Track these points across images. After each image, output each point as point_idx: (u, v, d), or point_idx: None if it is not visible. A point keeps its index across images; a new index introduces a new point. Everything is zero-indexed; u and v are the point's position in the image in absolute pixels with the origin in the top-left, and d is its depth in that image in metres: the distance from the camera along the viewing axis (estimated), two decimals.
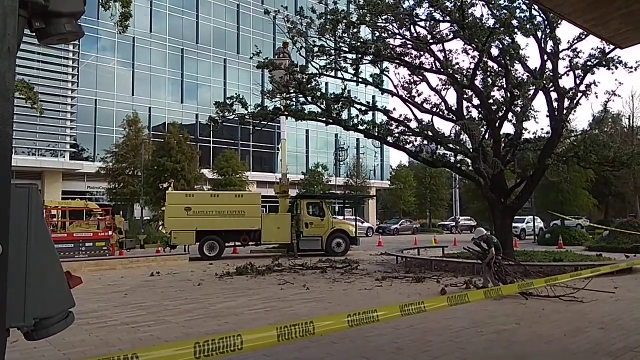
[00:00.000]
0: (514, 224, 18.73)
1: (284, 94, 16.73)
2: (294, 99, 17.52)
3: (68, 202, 25.34)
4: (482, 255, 11.01)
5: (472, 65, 15.90)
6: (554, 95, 15.55)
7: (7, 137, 1.17)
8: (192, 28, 47.09)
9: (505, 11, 13.84)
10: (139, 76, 43.49)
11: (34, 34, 1.43)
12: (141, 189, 31.58)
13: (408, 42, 16.21)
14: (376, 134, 16.99)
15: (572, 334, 6.78)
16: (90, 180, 38.47)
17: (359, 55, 16.40)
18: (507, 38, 14.47)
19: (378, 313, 2.46)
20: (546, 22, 14.60)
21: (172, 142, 32.92)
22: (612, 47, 13.34)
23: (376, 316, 2.44)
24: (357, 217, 32.30)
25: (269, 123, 18.74)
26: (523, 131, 16.51)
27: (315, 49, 16.26)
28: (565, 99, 15.50)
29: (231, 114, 16.74)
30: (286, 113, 17.42)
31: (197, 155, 35.43)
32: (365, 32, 17.99)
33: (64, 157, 37.87)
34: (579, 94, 15.56)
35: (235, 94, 17.18)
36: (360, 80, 17.54)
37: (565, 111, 15.49)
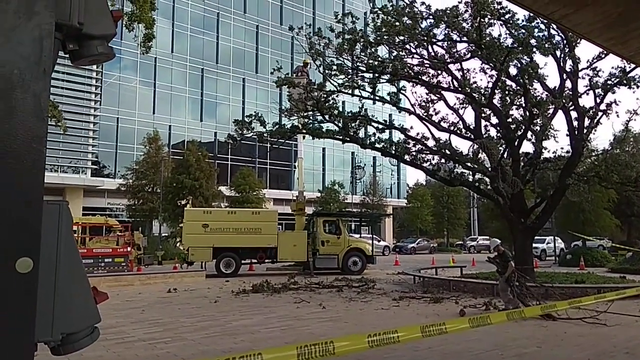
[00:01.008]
0: (534, 245, 18.40)
1: (302, 112, 16.88)
2: (311, 117, 17.67)
3: (88, 218, 25.73)
4: (502, 270, 10.71)
5: (490, 84, 15.88)
6: (574, 114, 15.40)
7: (41, 156, 1.21)
8: (213, 48, 48.02)
9: (523, 30, 13.84)
10: (160, 95, 44.36)
11: (67, 55, 1.48)
12: (160, 205, 31.92)
13: (425, 61, 16.28)
14: (393, 152, 16.98)
15: (596, 358, 6.58)
16: (111, 197, 39.05)
17: (377, 74, 16.51)
18: (525, 57, 14.45)
19: (399, 334, 2.43)
20: (565, 41, 14.55)
21: (191, 160, 33.33)
22: (633, 65, 13.20)
23: (397, 337, 2.41)
24: (374, 236, 32.10)
25: (286, 141, 18.89)
26: (543, 150, 16.35)
27: (333, 67, 16.43)
28: (586, 118, 15.33)
29: (250, 132, 16.93)
30: (304, 131, 17.56)
31: (215, 173, 35.76)
32: (382, 51, 18.13)
33: (85, 173, 38.58)
34: (600, 113, 15.38)
35: (254, 112, 17.41)
36: (377, 98, 17.63)
37: (585, 130, 15.31)
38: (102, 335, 1.43)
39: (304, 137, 23.77)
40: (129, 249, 19.73)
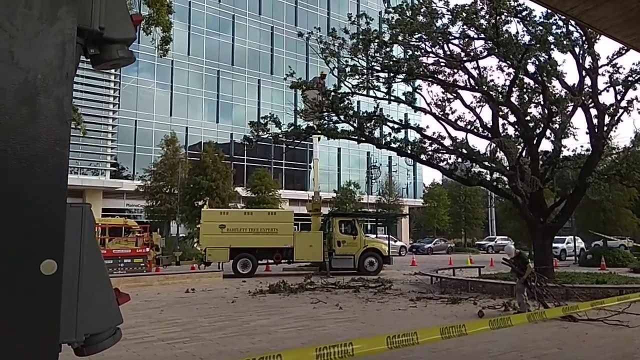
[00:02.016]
0: (553, 245, 18.11)
1: (317, 112, 16.89)
2: (326, 118, 17.67)
3: (108, 219, 26.09)
4: (520, 272, 10.52)
5: (508, 82, 15.68)
6: (593, 111, 15.13)
7: (64, 159, 1.23)
8: (228, 50, 48.34)
9: (541, 27, 13.64)
10: (176, 97, 44.81)
11: (88, 60, 1.51)
12: (177, 206, 32.24)
13: (441, 60, 16.16)
14: (409, 152, 16.89)
15: None
16: (130, 198, 39.56)
17: (392, 74, 16.44)
18: (543, 54, 14.23)
19: (418, 335, 2.41)
20: (584, 38, 14.31)
21: (208, 161, 33.59)
22: None
23: (416, 338, 2.39)
24: (390, 236, 31.96)
25: (302, 142, 18.92)
26: (562, 148, 16.10)
27: (348, 68, 16.41)
28: (606, 116, 15.05)
29: (265, 133, 17.00)
30: (319, 132, 17.56)
31: (231, 174, 35.99)
32: (397, 51, 18.04)
33: (104, 175, 39.16)
34: (620, 110, 15.09)
35: (270, 113, 17.46)
36: (392, 98, 17.54)
37: (605, 128, 15.03)
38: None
39: (319, 139, 23.80)
40: (147, 249, 19.95)
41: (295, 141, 18.00)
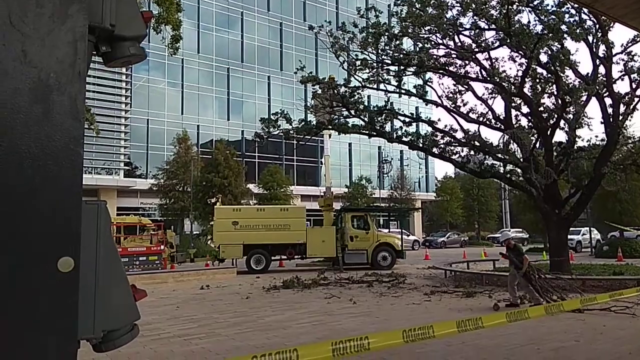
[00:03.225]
0: (569, 237, 17.91)
1: (327, 108, 16.86)
2: (337, 113, 17.62)
3: (123, 218, 26.37)
4: (518, 265, 10.37)
5: (520, 73, 15.49)
6: (608, 101, 14.89)
7: (79, 157, 1.23)
8: (237, 47, 48.44)
9: (553, 16, 13.44)
10: (187, 96, 45.05)
11: (100, 57, 1.51)
12: (191, 204, 32.48)
13: (452, 51, 16.01)
14: (421, 145, 16.79)
15: (638, 353, 6.36)
16: (143, 197, 39.94)
17: (402, 67, 16.33)
18: (556, 44, 14.02)
19: (434, 329, 2.39)
20: (597, 26, 14.07)
21: (220, 159, 33.77)
22: None
23: (432, 332, 2.38)
24: (403, 230, 31.85)
25: (312, 137, 18.90)
26: (576, 139, 15.89)
27: (358, 62, 16.33)
28: (621, 105, 14.80)
29: (276, 129, 17.00)
30: (330, 127, 17.52)
31: (243, 171, 36.15)
32: (407, 44, 17.90)
33: (118, 174, 39.57)
34: (636, 99, 14.84)
35: (280, 109, 17.46)
36: (403, 91, 17.43)
37: (621, 117, 14.79)
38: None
39: (330, 136, 23.74)
40: (162, 247, 20.14)
41: (306, 137, 17.98)
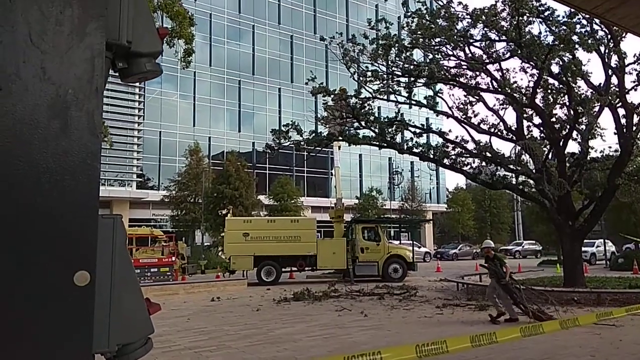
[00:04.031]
0: (583, 249, 17.68)
1: (338, 119, 16.91)
2: (347, 125, 17.66)
3: (135, 229, 26.52)
4: (497, 274, 10.11)
5: (532, 84, 15.44)
6: (621, 111, 14.75)
7: (96, 171, 1.25)
8: (249, 59, 48.90)
9: (564, 27, 13.40)
10: (199, 108, 45.50)
11: (117, 73, 1.53)
12: (202, 215, 32.61)
13: (463, 63, 16.01)
14: (432, 156, 16.74)
15: None
16: (155, 208, 40.19)
17: (412, 79, 16.35)
18: (567, 54, 13.96)
19: (448, 343, 2.36)
20: (609, 36, 13.99)
21: (231, 170, 33.93)
22: None
23: (445, 347, 2.35)
24: (414, 242, 31.63)
25: (323, 148, 18.94)
26: (589, 150, 15.72)
27: (369, 73, 16.39)
28: (635, 115, 14.65)
29: (287, 141, 17.08)
30: (340, 138, 17.55)
31: (254, 182, 36.25)
32: (418, 55, 17.95)
33: (131, 186, 39.94)
34: None
35: (291, 121, 17.55)
36: (413, 102, 17.44)
37: (634, 128, 14.64)
38: None
39: (339, 148, 23.76)
40: (173, 258, 20.20)
41: (317, 148, 18.03)
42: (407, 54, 15.97)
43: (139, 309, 1.40)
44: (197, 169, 35.62)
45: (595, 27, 13.82)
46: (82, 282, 1.19)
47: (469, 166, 16.70)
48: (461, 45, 15.33)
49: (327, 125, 18.23)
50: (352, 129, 17.63)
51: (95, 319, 1.22)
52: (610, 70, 14.51)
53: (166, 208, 36.80)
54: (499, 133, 16.57)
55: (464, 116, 16.83)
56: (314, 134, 17.77)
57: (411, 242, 27.99)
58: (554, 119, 15.59)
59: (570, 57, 14.03)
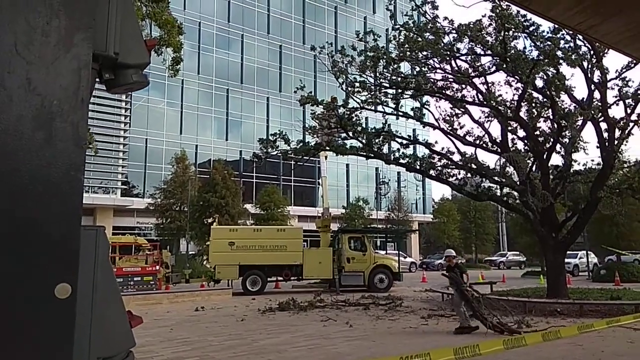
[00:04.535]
0: (566, 260, 17.89)
1: (326, 129, 16.97)
2: (335, 135, 17.73)
3: (118, 237, 26.20)
4: (457, 283, 10.21)
5: (516, 97, 15.68)
6: (603, 125, 15.04)
7: (79, 183, 1.24)
8: (237, 68, 48.93)
9: (549, 42, 13.67)
10: (186, 115, 45.31)
11: (103, 84, 1.53)
12: (187, 224, 32.33)
13: (449, 76, 16.21)
14: (418, 167, 16.86)
15: None
16: (140, 216, 39.77)
17: (400, 90, 16.51)
18: (551, 69, 14.23)
19: (431, 356, 2.37)
20: (592, 52, 14.29)
21: (217, 178, 33.75)
22: None
23: (429, 358, 2.35)
24: (400, 252, 31.71)
25: (310, 158, 18.97)
26: (572, 163, 15.98)
27: (357, 84, 16.50)
28: (616, 129, 14.95)
29: (274, 150, 17.08)
30: (327, 148, 17.61)
31: (240, 191, 36.09)
32: (405, 68, 18.13)
33: (115, 194, 39.49)
34: (631, 124, 14.99)
35: (278, 130, 17.57)
36: (400, 114, 17.58)
37: (616, 142, 14.92)
38: None
39: (326, 158, 23.80)
40: (157, 267, 19.97)
41: (304, 158, 18.05)
42: (395, 66, 16.14)
43: (121, 322, 1.39)
44: (183, 177, 35.37)
45: (579, 42, 14.12)
46: (63, 294, 1.18)
47: (454, 177, 16.86)
48: (447, 58, 15.54)
49: (315, 135, 18.28)
50: (339, 139, 17.71)
51: (76, 333, 1.21)
52: (592, 85, 14.80)
53: (151, 216, 36.42)
54: (484, 145, 16.77)
55: (450, 128, 17.02)
56: (301, 144, 17.80)
57: (397, 252, 28.01)
58: (538, 132, 15.83)
59: (554, 71, 14.31)
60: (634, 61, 12.92)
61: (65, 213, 1.22)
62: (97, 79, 1.49)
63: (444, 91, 16.54)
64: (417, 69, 16.57)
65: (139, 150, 41.73)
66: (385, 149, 17.63)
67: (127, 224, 39.18)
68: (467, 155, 16.19)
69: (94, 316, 1.30)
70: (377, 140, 16.72)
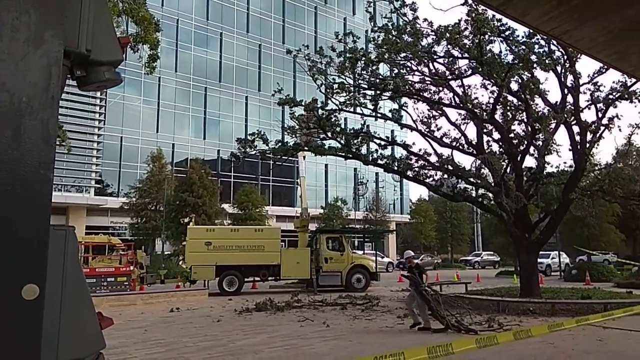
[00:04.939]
0: (539, 260, 18.29)
1: (305, 130, 16.97)
2: (314, 135, 17.74)
3: (91, 237, 25.66)
4: (416, 283, 10.42)
5: (492, 100, 15.95)
6: (576, 129, 15.43)
7: (49, 182, 1.22)
8: (216, 66, 48.48)
9: (523, 47, 13.94)
10: (163, 114, 44.68)
11: (74, 81, 1.51)
12: (163, 223, 31.90)
13: (427, 78, 16.39)
14: (396, 168, 17.00)
15: None
16: (114, 216, 39.08)
17: (378, 92, 16.62)
18: (526, 73, 14.53)
19: (405, 355, 2.40)
20: (565, 57, 14.64)
21: (195, 178, 33.39)
22: (634, 80, 13.26)
23: (403, 358, 2.38)
24: (377, 252, 31.92)
25: (289, 158, 18.93)
26: (545, 165, 16.34)
27: (335, 85, 16.55)
28: (588, 133, 15.35)
29: (253, 150, 16.99)
30: (306, 148, 17.60)
31: (218, 190, 35.78)
32: (384, 69, 18.26)
33: (89, 192, 38.67)
34: (602, 128, 15.40)
35: (257, 130, 17.49)
36: (379, 115, 17.70)
37: (588, 145, 15.31)
38: (105, 356, 1.44)
39: (304, 158, 23.79)
40: (131, 268, 19.65)
41: (283, 158, 18.01)
42: (374, 67, 16.23)
43: (91, 324, 1.37)
44: (160, 176, 34.87)
45: (553, 47, 14.44)
46: (31, 295, 1.15)
47: (431, 178, 17.05)
48: (425, 61, 15.71)
49: (294, 136, 18.26)
50: (318, 139, 17.73)
51: (44, 334, 1.19)
52: (566, 89, 15.16)
53: (125, 215, 35.81)
54: (460, 147, 17.01)
55: (427, 130, 17.22)
56: (280, 144, 17.75)
57: (374, 252, 28.19)
58: (512, 135, 16.14)
59: (529, 75, 14.61)
60: (605, 67, 13.30)
61: (34, 212, 1.20)
62: (69, 76, 1.46)
63: (421, 93, 16.72)
64: (396, 70, 16.71)
65: (113, 149, 40.97)
66: (363, 150, 17.72)
67: (101, 223, 38.45)
68: (443, 157, 16.40)
69: (63, 317, 1.28)
70: (355, 141, 16.80)
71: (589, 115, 16.27)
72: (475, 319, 11.70)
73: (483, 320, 11.42)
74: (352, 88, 16.73)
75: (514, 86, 15.16)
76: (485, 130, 16.55)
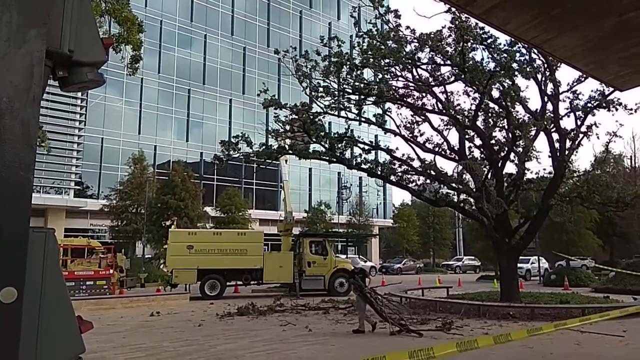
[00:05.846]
0: (519, 265, 18.55)
1: (289, 132, 16.97)
2: (298, 139, 17.74)
3: (70, 239, 25.22)
4: (359, 287, 10.95)
5: (474, 107, 16.16)
6: (555, 136, 15.72)
7: (29, 183, 1.20)
8: (200, 68, 48.19)
9: (505, 55, 14.17)
10: (145, 115, 44.19)
11: (56, 82, 1.49)
12: (144, 226, 31.48)
13: (410, 84, 16.54)
14: (379, 172, 17.09)
15: None
16: (94, 218, 38.45)
17: (362, 96, 16.71)
18: (507, 80, 14.76)
19: (387, 359, 2.40)
20: (546, 65, 14.92)
21: (177, 180, 33.03)
22: (612, 89, 13.58)
23: None
24: (360, 256, 31.99)
25: (273, 161, 18.89)
26: (525, 171, 16.60)
27: (320, 89, 16.59)
28: (567, 140, 15.66)
29: (236, 152, 16.91)
30: (290, 152, 17.59)
31: (200, 193, 35.46)
32: (368, 74, 18.37)
33: (68, 194, 37.99)
34: (580, 135, 15.73)
35: (241, 132, 17.42)
36: (363, 120, 17.79)
37: (567, 152, 15.62)
38: None
39: (286, 162, 23.74)
40: (111, 271, 19.35)
41: (267, 161, 17.97)
42: (358, 72, 16.32)
43: (70, 327, 1.35)
44: (141, 178, 34.42)
45: (534, 56, 14.72)
46: (9, 299, 1.13)
47: (414, 183, 17.19)
48: (409, 67, 15.86)
49: (279, 139, 18.23)
50: (302, 143, 17.73)
51: (23, 338, 1.17)
52: (546, 97, 15.45)
53: (105, 218, 35.25)
54: (442, 152, 17.19)
55: (410, 135, 17.37)
56: (264, 147, 17.71)
57: (357, 256, 28.24)
58: (493, 141, 16.36)
59: (510, 83, 14.86)
60: (584, 75, 13.59)
61: (13, 214, 1.18)
62: (51, 77, 1.45)
63: (405, 99, 16.86)
64: (380, 76, 16.82)
65: (94, 150, 40.36)
66: (347, 154, 17.78)
67: (80, 225, 37.80)
68: (426, 162, 16.55)
69: (42, 321, 1.26)
70: (339, 145, 16.85)
71: (568, 123, 16.62)
72: (457, 323, 11.79)
73: (466, 324, 11.51)
74: (336, 92, 16.80)
75: (496, 93, 15.40)
76: (467, 136, 16.76)
